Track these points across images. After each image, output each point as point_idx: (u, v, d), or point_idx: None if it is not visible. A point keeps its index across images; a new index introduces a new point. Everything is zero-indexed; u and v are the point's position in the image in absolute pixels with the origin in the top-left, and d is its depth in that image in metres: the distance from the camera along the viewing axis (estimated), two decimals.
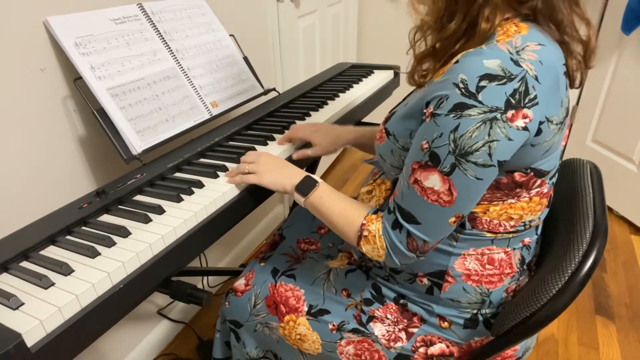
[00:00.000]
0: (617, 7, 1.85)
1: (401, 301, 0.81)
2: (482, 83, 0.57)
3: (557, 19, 0.64)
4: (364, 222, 0.71)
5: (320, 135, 1.01)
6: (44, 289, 0.60)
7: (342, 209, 0.75)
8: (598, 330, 1.51)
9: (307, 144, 1.02)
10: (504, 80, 0.57)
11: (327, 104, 1.24)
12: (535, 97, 0.58)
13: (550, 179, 0.70)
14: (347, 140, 1.03)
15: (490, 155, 0.59)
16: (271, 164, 0.84)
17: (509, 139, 0.58)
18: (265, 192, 0.89)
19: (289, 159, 0.98)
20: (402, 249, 0.68)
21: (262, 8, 1.58)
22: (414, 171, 0.64)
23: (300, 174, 0.81)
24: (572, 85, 0.70)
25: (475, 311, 0.76)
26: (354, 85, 1.39)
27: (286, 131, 1.06)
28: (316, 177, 0.80)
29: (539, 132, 0.60)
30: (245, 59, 1.25)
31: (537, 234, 0.77)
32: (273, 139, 1.03)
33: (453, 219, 0.65)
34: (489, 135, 0.57)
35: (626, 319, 1.54)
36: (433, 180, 0.62)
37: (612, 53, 1.92)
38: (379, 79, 1.47)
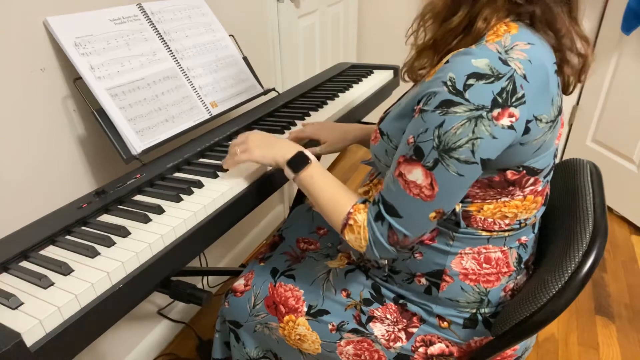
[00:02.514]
0: (617, 7, 1.85)
1: (400, 301, 0.81)
2: (470, 81, 0.58)
3: (556, 27, 0.64)
4: (351, 210, 0.71)
5: (327, 132, 1.01)
6: (43, 288, 0.60)
7: (331, 193, 0.75)
8: (598, 330, 1.51)
9: (316, 143, 1.02)
10: (492, 79, 0.57)
11: (326, 104, 1.24)
12: (523, 95, 0.58)
13: (545, 177, 0.70)
14: (355, 136, 1.03)
15: (473, 152, 0.59)
16: (260, 138, 0.83)
17: (494, 137, 0.59)
18: (265, 192, 0.90)
19: None
20: (383, 242, 0.68)
21: (262, 8, 1.58)
22: (399, 164, 0.65)
23: (293, 148, 0.80)
24: (565, 92, 0.70)
25: (474, 311, 0.76)
26: (353, 85, 1.39)
27: (287, 131, 1.06)
28: (310, 154, 0.79)
29: (526, 130, 0.60)
30: (245, 59, 1.25)
31: (533, 233, 0.77)
32: None
33: (433, 214, 0.65)
34: (473, 132, 0.58)
35: (626, 319, 1.54)
36: (416, 174, 0.63)
37: (612, 53, 1.92)
38: (379, 79, 1.47)
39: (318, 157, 0.88)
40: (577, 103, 2.16)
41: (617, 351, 1.43)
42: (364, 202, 0.73)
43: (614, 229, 1.99)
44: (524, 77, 0.58)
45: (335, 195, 0.74)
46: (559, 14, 0.63)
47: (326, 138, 1.01)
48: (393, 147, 0.72)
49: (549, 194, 0.78)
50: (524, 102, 0.58)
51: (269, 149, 0.81)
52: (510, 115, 0.58)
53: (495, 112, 0.58)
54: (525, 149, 0.63)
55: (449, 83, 0.59)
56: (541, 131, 0.62)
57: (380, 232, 0.68)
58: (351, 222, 0.71)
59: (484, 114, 0.57)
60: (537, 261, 0.80)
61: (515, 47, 0.60)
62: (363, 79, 1.46)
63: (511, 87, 0.58)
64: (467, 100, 0.58)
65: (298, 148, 0.80)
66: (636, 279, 1.72)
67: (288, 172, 0.79)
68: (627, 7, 1.70)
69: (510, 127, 0.59)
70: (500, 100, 0.57)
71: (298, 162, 0.77)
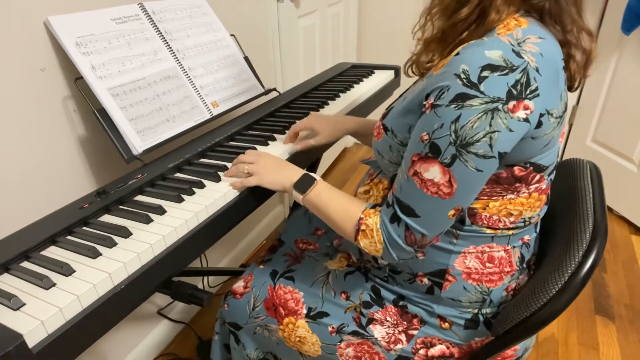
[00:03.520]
0: (617, 7, 1.85)
1: (400, 303, 0.81)
2: (484, 73, 0.57)
3: (563, 21, 0.64)
4: (362, 216, 0.71)
5: (320, 122, 1.01)
6: (45, 289, 0.60)
7: (340, 204, 0.75)
8: (598, 330, 1.51)
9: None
10: (506, 70, 0.57)
11: (327, 104, 1.24)
12: (537, 88, 0.58)
13: (549, 175, 0.70)
14: (348, 127, 1.03)
15: (491, 146, 0.59)
16: (270, 164, 0.84)
17: (510, 130, 0.58)
18: (266, 193, 0.89)
19: (291, 159, 0.98)
20: (400, 243, 0.68)
21: (262, 8, 1.58)
22: (413, 163, 0.64)
23: (298, 172, 0.81)
24: (570, 88, 0.70)
25: (475, 311, 0.76)
26: (354, 85, 1.39)
27: (287, 131, 1.06)
28: (314, 175, 0.80)
29: (539, 124, 0.60)
30: (246, 58, 1.25)
31: (536, 232, 0.77)
32: (274, 139, 1.03)
33: (452, 212, 0.65)
34: (490, 125, 0.58)
35: (626, 319, 1.54)
36: (433, 172, 0.62)
37: (612, 53, 1.92)
38: (380, 79, 1.47)
39: (315, 166, 0.88)
40: (577, 103, 2.16)
41: (617, 351, 1.43)
42: (373, 207, 0.73)
43: (614, 229, 1.99)
44: (537, 70, 0.58)
45: (344, 205, 0.75)
46: (566, 8, 0.64)
47: (319, 128, 1.00)
48: (398, 142, 0.71)
49: (550, 193, 0.78)
50: (538, 95, 0.58)
51: (277, 175, 0.82)
52: (526, 108, 0.58)
53: (511, 104, 0.57)
54: (535, 143, 0.62)
55: (462, 75, 0.58)
56: (551, 126, 0.62)
57: (397, 233, 0.67)
58: (363, 227, 0.71)
59: (500, 106, 0.57)
60: (538, 261, 0.80)
61: (527, 40, 0.60)
62: (364, 79, 1.46)
63: (525, 79, 0.57)
64: (482, 92, 0.57)
65: (303, 171, 0.81)
66: (636, 279, 1.72)
67: (296, 195, 0.79)
68: (627, 7, 1.70)
69: (526, 119, 0.58)
70: (515, 92, 0.57)
71: (304, 184, 0.78)
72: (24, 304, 0.57)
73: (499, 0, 0.61)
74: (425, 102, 0.63)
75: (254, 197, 0.87)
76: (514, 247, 0.74)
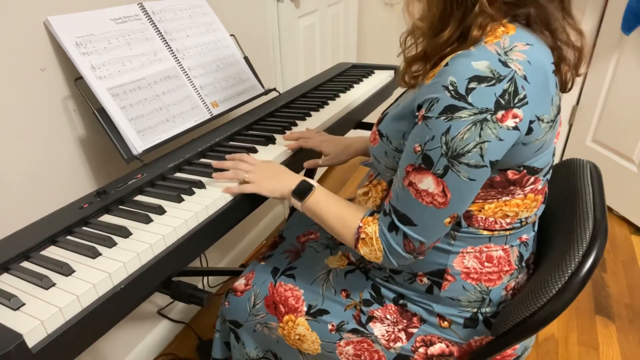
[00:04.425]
0: (617, 7, 1.85)
1: (400, 302, 0.81)
2: (472, 85, 0.58)
3: (552, 26, 0.64)
4: (361, 224, 0.72)
5: (329, 145, 1.03)
6: (44, 289, 0.60)
7: (338, 212, 0.76)
8: (598, 330, 1.51)
9: (317, 155, 1.04)
10: (493, 81, 0.57)
11: (327, 104, 1.24)
12: (525, 96, 0.58)
13: (544, 175, 0.70)
14: (357, 149, 1.04)
15: (482, 156, 0.59)
16: (268, 171, 0.84)
17: (500, 139, 0.59)
18: None
19: (290, 159, 0.98)
20: (399, 251, 0.68)
21: (262, 8, 1.58)
22: (407, 174, 0.65)
23: (296, 178, 0.81)
24: (563, 90, 0.70)
25: (475, 310, 0.76)
26: (354, 85, 1.39)
27: (287, 131, 1.06)
28: (312, 181, 0.81)
29: (529, 131, 0.61)
30: (246, 58, 1.25)
31: (534, 231, 0.77)
32: (274, 139, 1.03)
33: (448, 220, 0.65)
34: (480, 136, 0.58)
35: (626, 319, 1.54)
36: (427, 183, 0.63)
37: (612, 53, 1.92)
38: (380, 79, 1.47)
39: (314, 169, 0.88)
40: (577, 103, 2.16)
41: (617, 351, 1.43)
42: (371, 214, 0.73)
43: (614, 229, 1.99)
44: (525, 78, 0.58)
45: (343, 213, 0.75)
46: (552, 12, 0.63)
47: (328, 151, 1.02)
48: (392, 148, 0.72)
49: (547, 192, 0.78)
50: (527, 103, 0.59)
51: (275, 182, 0.82)
52: (515, 116, 0.58)
53: (500, 114, 0.58)
54: (527, 149, 0.63)
55: (450, 87, 0.59)
56: (542, 131, 0.62)
57: (396, 241, 0.68)
58: (363, 235, 0.71)
59: (489, 116, 0.57)
60: (537, 261, 0.80)
61: (514, 48, 0.60)
62: (364, 79, 1.46)
63: (512, 88, 0.58)
64: (470, 104, 0.58)
65: (300, 178, 0.81)
66: (636, 279, 1.72)
67: (295, 202, 0.80)
68: (627, 7, 1.70)
69: (515, 127, 0.59)
70: (503, 102, 0.57)
71: (303, 191, 0.79)
72: (24, 304, 0.57)
73: (479, 18, 0.60)
74: (417, 113, 0.64)
75: (254, 197, 0.87)
76: (512, 246, 0.74)
